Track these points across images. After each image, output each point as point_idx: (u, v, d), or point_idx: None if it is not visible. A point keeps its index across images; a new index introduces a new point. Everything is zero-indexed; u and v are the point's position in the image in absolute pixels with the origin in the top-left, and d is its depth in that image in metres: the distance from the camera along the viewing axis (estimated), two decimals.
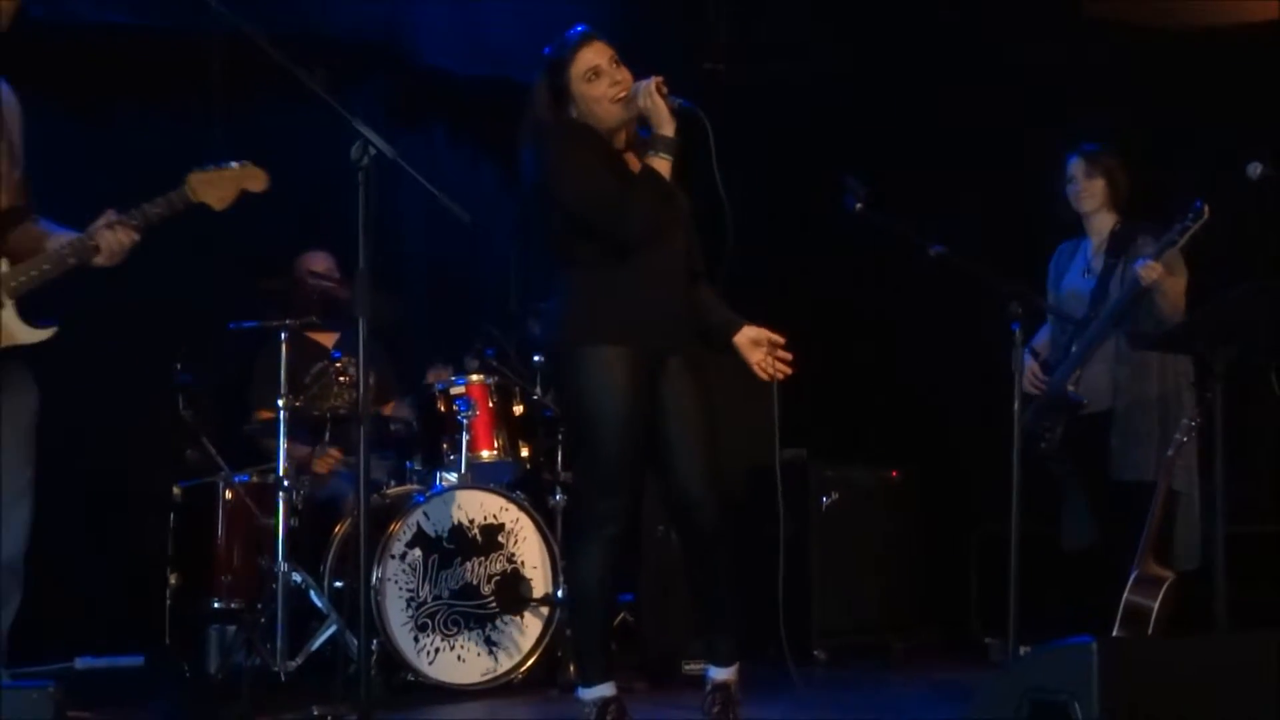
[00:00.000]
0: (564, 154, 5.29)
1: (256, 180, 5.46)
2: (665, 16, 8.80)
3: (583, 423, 5.36)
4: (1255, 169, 6.11)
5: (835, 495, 7.92)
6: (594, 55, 5.33)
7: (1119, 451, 6.59)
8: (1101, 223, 6.86)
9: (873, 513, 8.04)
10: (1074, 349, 6.71)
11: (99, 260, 5.28)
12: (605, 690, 5.38)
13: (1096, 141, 6.88)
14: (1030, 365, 6.73)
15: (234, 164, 5.43)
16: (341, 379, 7.09)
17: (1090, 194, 6.83)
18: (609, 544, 5.31)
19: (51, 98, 7.48)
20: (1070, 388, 6.66)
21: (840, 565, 7.86)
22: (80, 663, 7.16)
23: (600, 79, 5.31)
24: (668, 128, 5.26)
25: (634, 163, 5.39)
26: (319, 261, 7.34)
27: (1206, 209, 6.32)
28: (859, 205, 5.83)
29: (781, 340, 5.49)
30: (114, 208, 5.32)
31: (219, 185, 5.38)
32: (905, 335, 8.76)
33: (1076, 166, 6.86)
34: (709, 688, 5.49)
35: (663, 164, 5.27)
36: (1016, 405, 5.81)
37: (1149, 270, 6.42)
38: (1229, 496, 5.79)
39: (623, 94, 5.30)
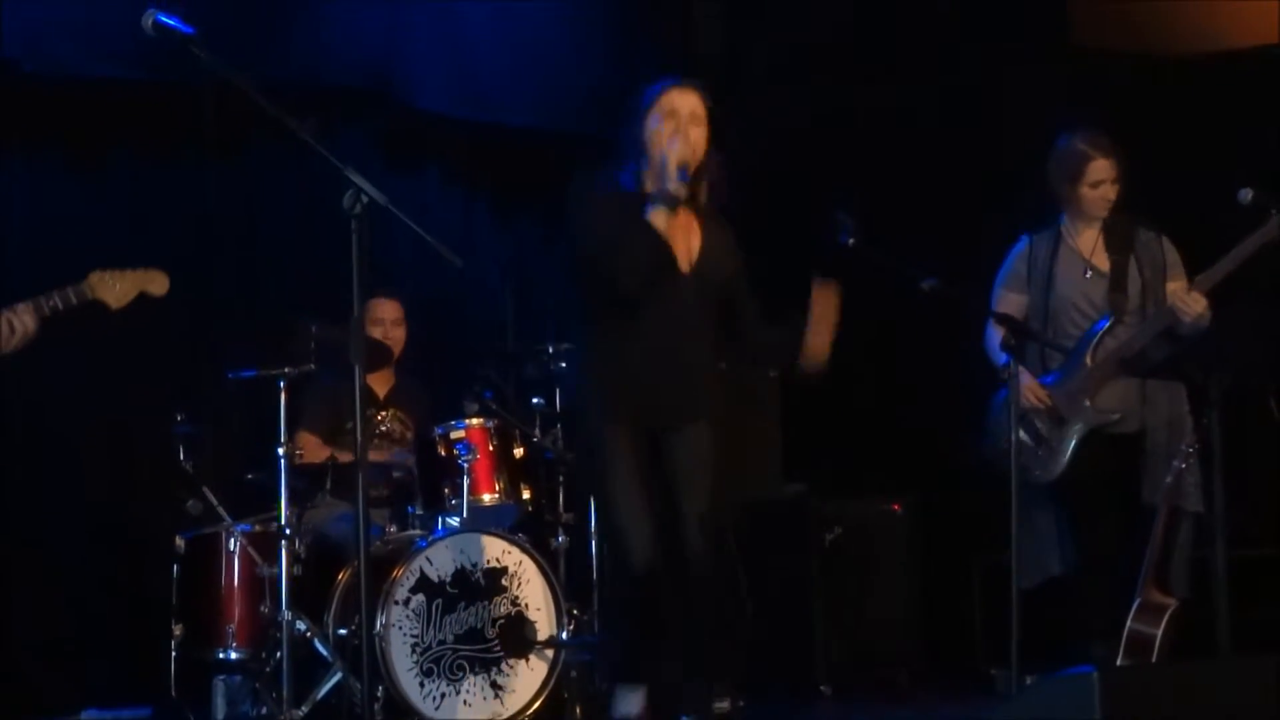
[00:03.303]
0: (586, 198, 5.57)
1: (157, 283, 5.74)
2: (656, 55, 8.84)
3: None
4: (1246, 195, 6.12)
5: (838, 530, 7.92)
6: (678, 100, 5.57)
7: (1152, 473, 6.42)
8: (1093, 222, 6.57)
9: (875, 546, 8.04)
10: (1090, 360, 6.41)
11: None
12: None
13: None
14: (1028, 381, 6.44)
15: (138, 269, 5.70)
16: (382, 429, 7.22)
17: (1113, 198, 6.49)
18: (650, 599, 5.52)
19: (44, 150, 7.55)
20: (1086, 403, 6.43)
21: (844, 600, 7.86)
22: (87, 715, 7.14)
23: (668, 122, 5.53)
24: (671, 184, 5.43)
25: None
26: (385, 309, 7.38)
27: None
28: (851, 240, 5.85)
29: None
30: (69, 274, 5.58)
31: (119, 284, 5.63)
32: (902, 368, 8.77)
33: (1105, 169, 6.48)
34: None
35: (657, 216, 5.46)
36: (1014, 436, 5.80)
37: (1193, 305, 6.26)
38: (1229, 521, 5.80)
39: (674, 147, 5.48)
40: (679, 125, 5.51)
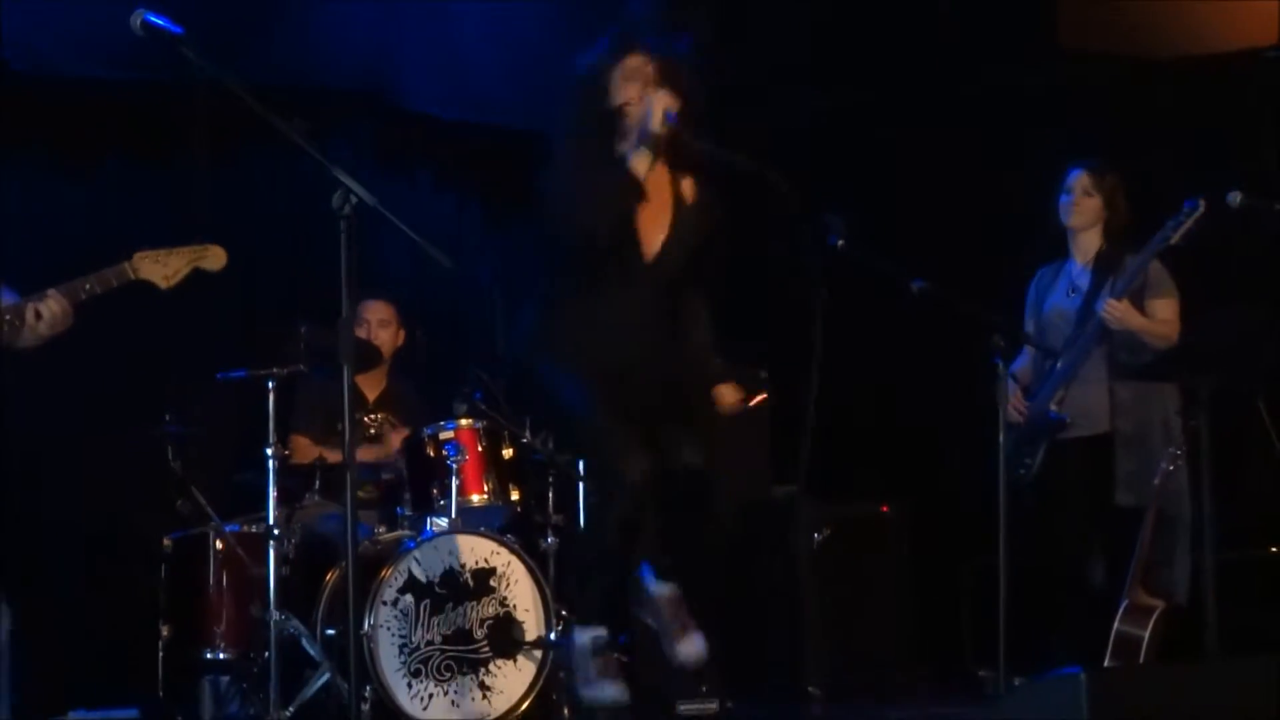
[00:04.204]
0: (570, 154, 5.41)
1: (213, 258, 5.40)
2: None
3: (561, 414, 5.48)
4: (1235, 198, 6.13)
5: (827, 531, 7.92)
6: (635, 62, 5.41)
7: (1130, 476, 6.51)
8: (1088, 242, 6.76)
9: (864, 548, 8.05)
10: (1058, 367, 6.64)
11: (26, 337, 5.16)
12: (599, 631, 5.38)
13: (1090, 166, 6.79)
14: (1013, 392, 6.67)
15: (190, 244, 5.36)
16: (371, 430, 7.23)
17: (1083, 211, 6.71)
18: (630, 502, 5.25)
19: (35, 152, 7.54)
20: (1053, 407, 6.59)
21: (833, 601, 7.86)
22: (74, 716, 7.14)
23: (631, 83, 5.38)
24: (653, 122, 5.27)
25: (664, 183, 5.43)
26: (370, 310, 7.36)
27: (1203, 204, 6.27)
28: (840, 242, 5.85)
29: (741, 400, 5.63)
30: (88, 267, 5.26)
31: (169, 262, 5.29)
32: (893, 370, 8.77)
33: (1078, 180, 6.72)
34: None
35: (640, 158, 5.30)
36: (1002, 437, 5.83)
37: (1111, 311, 6.46)
38: (1218, 523, 5.81)
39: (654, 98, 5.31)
40: (648, 83, 5.35)
